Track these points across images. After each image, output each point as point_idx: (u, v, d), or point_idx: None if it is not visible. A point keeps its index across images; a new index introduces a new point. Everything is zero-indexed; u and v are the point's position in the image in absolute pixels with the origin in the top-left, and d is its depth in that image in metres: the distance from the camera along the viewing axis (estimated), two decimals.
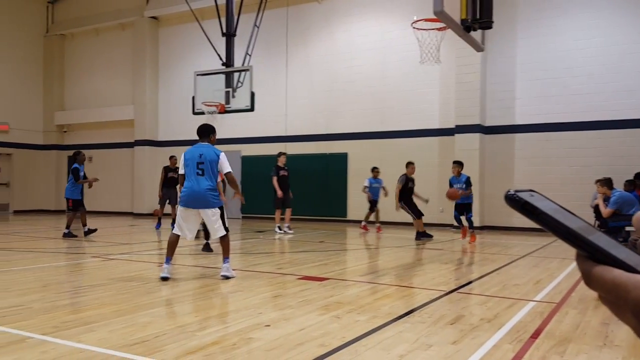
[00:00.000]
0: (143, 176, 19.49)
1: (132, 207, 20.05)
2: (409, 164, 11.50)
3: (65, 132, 22.41)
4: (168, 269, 6.27)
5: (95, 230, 11.66)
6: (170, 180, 13.64)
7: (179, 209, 6.40)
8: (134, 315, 4.50)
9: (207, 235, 8.75)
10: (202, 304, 5.18)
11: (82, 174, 11.47)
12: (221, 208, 6.37)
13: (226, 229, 6.39)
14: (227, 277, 6.27)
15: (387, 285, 6.15)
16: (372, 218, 13.35)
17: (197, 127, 6.56)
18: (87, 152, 21.96)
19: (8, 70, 20.91)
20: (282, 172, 12.63)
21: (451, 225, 10.56)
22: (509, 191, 0.53)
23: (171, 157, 13.95)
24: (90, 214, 21.09)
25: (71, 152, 21.95)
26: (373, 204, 13.09)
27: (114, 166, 20.94)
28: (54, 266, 7.68)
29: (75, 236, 11.25)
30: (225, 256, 6.37)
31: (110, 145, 21.13)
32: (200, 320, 4.40)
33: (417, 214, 11.22)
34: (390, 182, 12.69)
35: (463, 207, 10.87)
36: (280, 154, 12.92)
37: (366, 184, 13.08)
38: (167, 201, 13.68)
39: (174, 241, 6.40)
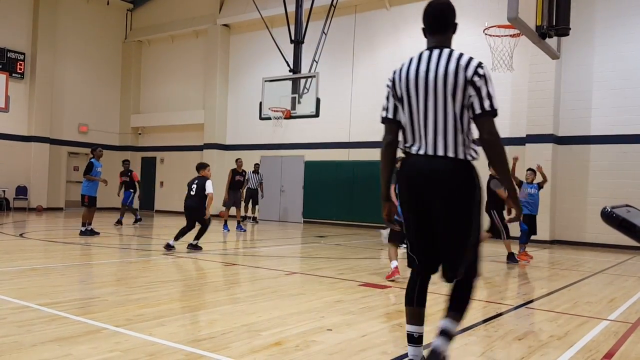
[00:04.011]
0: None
1: None
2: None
3: (140, 134, 23.46)
4: None
5: (97, 233, 11.11)
6: (236, 184, 14.01)
7: None
8: (202, 312, 4.65)
9: (197, 235, 9.83)
10: (265, 304, 5.27)
11: (98, 169, 10.98)
12: None
13: None
14: None
15: None
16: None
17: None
18: (158, 154, 23.09)
19: (89, 75, 22.16)
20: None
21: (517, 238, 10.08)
22: (605, 208, 0.53)
23: (237, 160, 14.32)
24: (161, 213, 22.17)
25: (146, 154, 23.22)
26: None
27: (184, 168, 21.68)
28: (126, 262, 8.06)
29: (98, 233, 11.04)
30: None
31: (181, 147, 21.94)
32: (264, 321, 4.49)
33: (507, 233, 9.01)
34: None
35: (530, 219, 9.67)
36: None
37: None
38: (233, 203, 14.06)
39: None
